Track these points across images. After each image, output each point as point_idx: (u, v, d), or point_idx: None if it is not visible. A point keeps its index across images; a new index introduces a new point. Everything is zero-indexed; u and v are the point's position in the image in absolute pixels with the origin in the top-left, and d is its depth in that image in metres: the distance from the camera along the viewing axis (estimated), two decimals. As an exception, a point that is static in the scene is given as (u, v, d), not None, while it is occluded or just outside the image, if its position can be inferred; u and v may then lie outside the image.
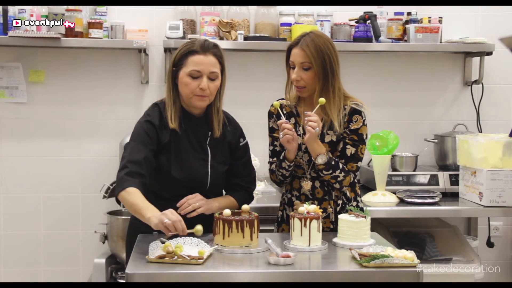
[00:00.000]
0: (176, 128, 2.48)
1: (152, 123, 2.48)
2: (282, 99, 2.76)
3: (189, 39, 2.72)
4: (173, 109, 2.49)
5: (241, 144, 2.62)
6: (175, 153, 2.49)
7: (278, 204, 2.86)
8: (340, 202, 2.68)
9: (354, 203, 2.70)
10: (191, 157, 2.50)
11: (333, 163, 2.58)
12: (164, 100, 2.56)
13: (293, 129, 2.55)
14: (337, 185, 2.63)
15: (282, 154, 2.64)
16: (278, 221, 2.81)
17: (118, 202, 2.50)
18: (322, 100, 2.52)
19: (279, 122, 2.56)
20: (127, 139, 3.14)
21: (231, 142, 2.59)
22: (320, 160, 2.56)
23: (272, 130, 2.76)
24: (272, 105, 2.75)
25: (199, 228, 2.34)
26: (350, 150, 2.63)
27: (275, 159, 2.72)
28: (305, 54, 2.56)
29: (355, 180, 2.74)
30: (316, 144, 2.55)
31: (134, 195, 2.30)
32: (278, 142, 2.70)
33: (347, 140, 2.63)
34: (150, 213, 2.24)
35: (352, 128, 2.63)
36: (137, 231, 2.49)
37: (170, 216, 2.22)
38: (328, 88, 2.59)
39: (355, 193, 2.74)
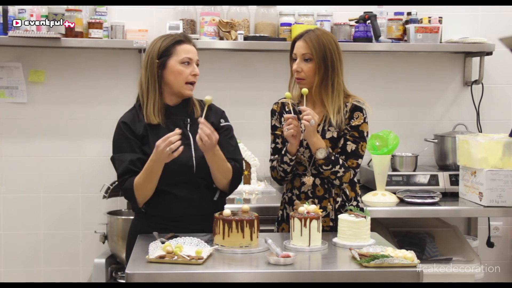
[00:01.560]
0: (160, 122, 2.52)
1: (123, 122, 2.55)
2: (284, 98, 2.77)
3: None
4: (157, 103, 2.53)
5: (221, 124, 2.63)
6: (154, 142, 2.46)
7: (278, 204, 2.86)
8: (339, 200, 2.68)
9: (355, 203, 2.70)
10: None
11: (333, 158, 2.59)
12: (139, 101, 2.59)
13: (298, 122, 2.57)
14: (336, 181, 2.64)
15: (284, 149, 2.66)
16: (278, 220, 2.82)
17: (143, 206, 2.52)
18: (304, 90, 2.57)
19: (285, 116, 2.57)
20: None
21: (214, 123, 2.58)
22: (320, 154, 2.57)
23: (274, 128, 2.78)
24: (275, 104, 2.78)
25: (208, 97, 2.42)
26: (350, 146, 2.64)
27: (276, 156, 2.74)
28: (307, 45, 2.62)
29: (356, 180, 2.74)
30: (315, 138, 2.57)
31: (139, 180, 2.43)
32: (280, 139, 2.73)
33: (348, 137, 2.64)
34: (153, 162, 2.39)
35: (353, 124, 2.64)
36: (138, 231, 2.50)
37: (160, 143, 2.33)
38: (327, 83, 2.62)
39: (355, 192, 2.74)
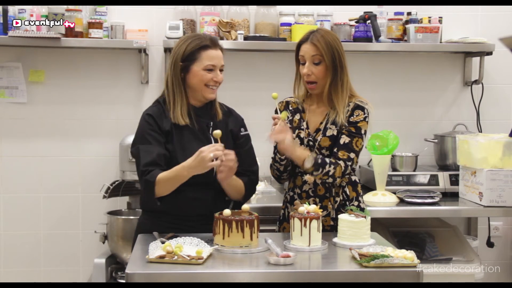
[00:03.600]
0: (188, 123, 2.54)
1: (150, 115, 2.55)
2: (290, 97, 2.80)
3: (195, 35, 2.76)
4: (184, 104, 2.55)
5: (242, 133, 2.66)
6: (179, 142, 2.52)
7: (278, 204, 2.87)
8: (338, 199, 2.68)
9: (356, 203, 2.70)
10: (196, 145, 2.50)
11: (319, 161, 2.58)
12: (164, 97, 2.60)
13: (285, 121, 2.58)
14: (330, 180, 2.61)
15: (275, 149, 2.67)
16: (280, 219, 2.82)
17: (158, 199, 2.49)
18: (274, 95, 2.60)
19: (272, 116, 2.59)
20: (127, 139, 3.14)
21: (233, 130, 2.65)
22: (308, 164, 2.56)
23: None
24: (280, 102, 2.79)
25: (217, 132, 2.44)
26: (344, 139, 2.63)
27: (273, 156, 2.76)
28: (316, 48, 2.61)
29: (357, 180, 2.74)
30: (298, 152, 2.58)
31: (163, 177, 2.42)
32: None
33: (344, 131, 2.64)
34: (187, 168, 2.40)
35: (351, 120, 2.65)
36: (148, 231, 2.50)
37: (205, 149, 2.36)
38: (337, 82, 2.64)
39: (356, 192, 2.74)
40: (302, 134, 2.69)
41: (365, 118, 2.65)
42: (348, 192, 2.71)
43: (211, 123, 2.60)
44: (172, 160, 2.49)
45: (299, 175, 2.72)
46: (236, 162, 2.44)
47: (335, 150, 2.62)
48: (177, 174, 2.42)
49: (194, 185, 2.47)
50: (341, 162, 2.60)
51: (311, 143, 2.66)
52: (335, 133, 2.65)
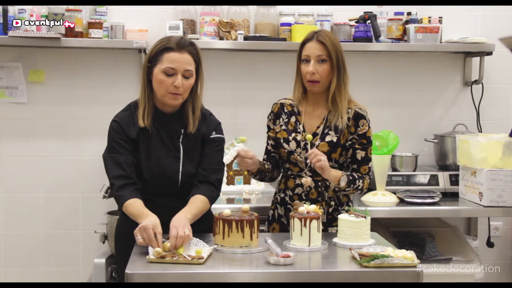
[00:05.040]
0: (147, 126, 2.48)
1: (117, 122, 2.51)
2: (285, 98, 2.79)
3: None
4: (147, 107, 2.49)
5: (211, 136, 2.56)
6: (145, 150, 2.49)
7: (277, 204, 2.86)
8: (332, 203, 2.69)
9: (347, 208, 2.70)
10: (162, 154, 2.49)
11: (351, 178, 2.63)
12: (137, 100, 2.57)
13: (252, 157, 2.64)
14: (358, 192, 2.71)
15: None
16: (269, 220, 2.82)
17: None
18: (309, 137, 2.59)
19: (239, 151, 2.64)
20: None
21: (204, 134, 2.55)
22: (343, 183, 2.61)
23: (268, 129, 2.80)
24: (274, 104, 2.79)
25: (243, 138, 2.51)
26: (360, 154, 2.67)
27: (265, 156, 2.81)
28: (322, 46, 2.61)
29: None
30: (333, 173, 2.59)
31: (129, 208, 2.38)
32: (271, 141, 2.77)
33: (357, 146, 2.67)
34: (140, 223, 2.28)
35: (360, 133, 2.67)
36: (124, 232, 2.51)
37: (142, 233, 2.23)
38: (340, 84, 2.65)
39: (347, 197, 2.75)
40: (299, 137, 2.68)
41: (369, 125, 2.68)
42: (340, 197, 2.72)
43: (182, 130, 2.52)
44: (138, 168, 2.47)
45: (291, 177, 2.72)
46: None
47: (354, 166, 2.68)
48: (138, 215, 2.35)
49: (163, 195, 2.47)
50: (366, 176, 2.69)
51: (307, 146, 2.65)
52: (334, 139, 2.65)
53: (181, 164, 2.49)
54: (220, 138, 2.58)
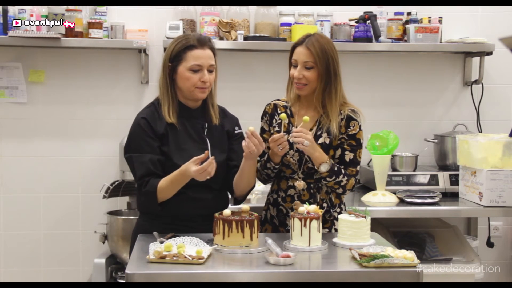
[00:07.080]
0: (174, 122, 2.53)
1: (145, 118, 2.53)
2: (278, 99, 2.77)
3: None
4: (171, 104, 2.55)
5: (236, 131, 2.67)
6: (174, 143, 2.52)
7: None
8: (325, 205, 2.68)
9: (338, 210, 2.70)
10: (191, 146, 2.52)
11: (336, 169, 2.60)
12: (158, 98, 2.60)
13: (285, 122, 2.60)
14: (340, 190, 2.65)
15: (266, 155, 2.66)
16: (261, 220, 2.79)
17: (159, 205, 2.50)
18: (306, 118, 2.55)
19: (274, 136, 2.54)
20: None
21: (229, 130, 2.66)
22: (323, 168, 2.58)
23: (262, 130, 2.76)
24: (268, 105, 2.77)
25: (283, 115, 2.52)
26: (348, 155, 2.65)
27: (262, 158, 2.72)
28: (309, 53, 2.59)
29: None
30: (317, 153, 2.57)
31: (163, 185, 2.43)
32: (267, 143, 2.68)
33: (345, 146, 2.65)
34: (185, 177, 2.40)
35: (350, 133, 2.65)
36: (144, 232, 2.50)
37: (199, 171, 2.34)
38: (331, 90, 2.62)
39: (340, 200, 2.73)
40: (292, 139, 2.65)
41: (360, 127, 2.66)
42: (332, 199, 2.70)
43: (206, 124, 2.60)
44: (168, 162, 2.49)
45: (284, 178, 2.71)
46: (262, 144, 2.45)
47: (342, 167, 2.64)
48: (176, 180, 2.42)
49: (193, 186, 2.47)
50: (352, 177, 2.65)
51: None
52: (327, 141, 2.64)
53: (209, 155, 2.50)
54: (242, 133, 2.68)
